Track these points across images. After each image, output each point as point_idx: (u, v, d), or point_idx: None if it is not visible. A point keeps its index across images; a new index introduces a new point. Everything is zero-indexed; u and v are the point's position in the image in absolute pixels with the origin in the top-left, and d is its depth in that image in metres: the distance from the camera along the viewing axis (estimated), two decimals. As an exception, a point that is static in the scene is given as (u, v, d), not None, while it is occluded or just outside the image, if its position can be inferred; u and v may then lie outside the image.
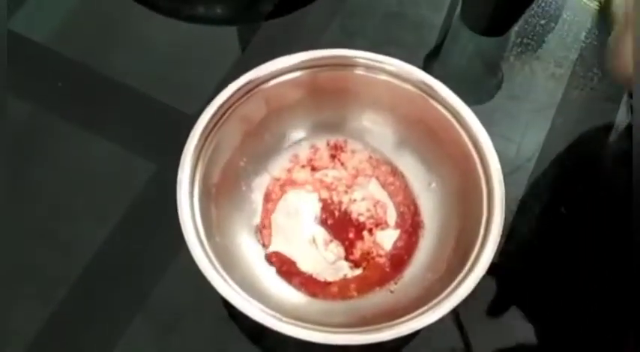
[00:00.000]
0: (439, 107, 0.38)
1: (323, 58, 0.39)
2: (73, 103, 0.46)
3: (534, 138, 0.45)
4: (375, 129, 0.42)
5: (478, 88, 0.47)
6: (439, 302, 0.32)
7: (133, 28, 0.50)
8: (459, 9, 0.49)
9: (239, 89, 0.37)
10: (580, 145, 0.46)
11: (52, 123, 0.45)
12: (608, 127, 0.46)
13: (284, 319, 0.32)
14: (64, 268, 0.40)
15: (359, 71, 0.39)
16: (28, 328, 0.38)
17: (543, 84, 0.47)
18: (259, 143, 0.41)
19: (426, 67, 0.47)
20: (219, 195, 0.37)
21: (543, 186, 0.43)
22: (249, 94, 0.38)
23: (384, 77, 0.39)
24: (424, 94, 0.39)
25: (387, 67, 0.39)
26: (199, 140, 0.36)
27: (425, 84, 0.38)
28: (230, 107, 0.37)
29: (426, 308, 0.32)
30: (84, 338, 0.38)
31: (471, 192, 0.37)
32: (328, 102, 0.41)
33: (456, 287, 0.33)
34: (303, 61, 0.39)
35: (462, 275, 0.33)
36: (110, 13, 0.50)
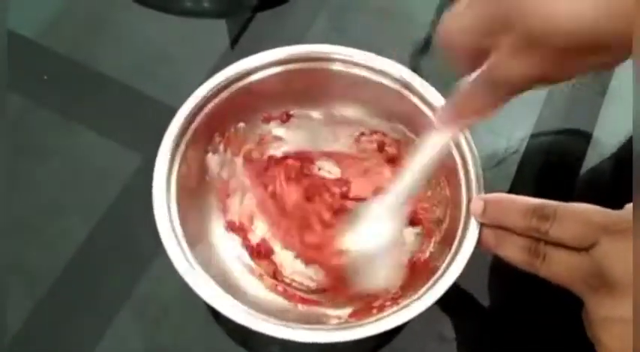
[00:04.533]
0: (417, 101, 0.38)
1: (300, 53, 0.38)
2: (60, 97, 0.46)
3: (521, 131, 0.45)
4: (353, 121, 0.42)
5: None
6: (420, 296, 0.32)
7: (120, 22, 0.49)
8: (448, 4, 0.49)
9: (216, 86, 0.37)
10: (566, 138, 0.46)
11: (39, 116, 0.45)
12: (594, 120, 0.46)
13: (270, 320, 0.32)
14: (49, 261, 0.40)
15: (336, 66, 0.39)
16: (13, 322, 0.38)
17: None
18: (237, 136, 0.40)
19: (415, 63, 0.47)
20: (196, 188, 0.37)
21: (530, 179, 0.44)
22: (226, 90, 0.38)
23: (361, 72, 0.39)
24: (402, 89, 0.38)
25: (364, 63, 0.39)
26: (176, 135, 0.36)
27: (402, 78, 0.38)
28: (205, 104, 0.37)
29: (408, 301, 0.32)
30: (69, 332, 0.38)
31: (450, 180, 0.37)
32: (306, 96, 0.41)
33: (441, 276, 0.32)
34: (279, 58, 0.38)
35: (444, 264, 0.33)
36: (98, 6, 0.50)
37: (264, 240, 0.40)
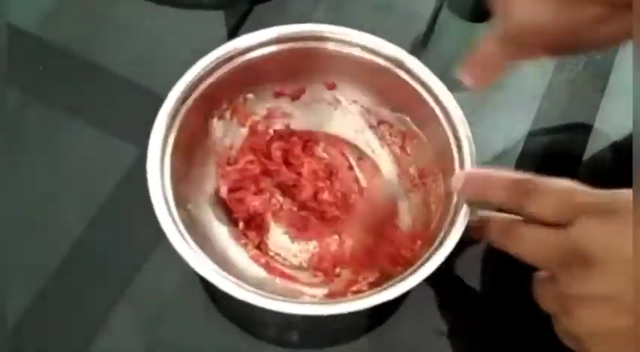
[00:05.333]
0: (410, 80, 0.38)
1: (293, 32, 0.39)
2: (57, 89, 0.46)
3: (520, 126, 0.45)
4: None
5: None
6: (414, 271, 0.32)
7: (118, 14, 0.49)
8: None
9: (210, 63, 0.37)
10: (565, 132, 0.46)
11: (36, 109, 0.45)
12: (594, 115, 0.46)
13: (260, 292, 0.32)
14: (46, 255, 0.39)
15: (329, 46, 0.39)
16: (11, 316, 0.37)
17: (530, 72, 0.47)
18: (245, 106, 0.41)
19: (414, 56, 0.47)
20: (193, 151, 0.38)
21: (529, 171, 0.43)
22: (222, 67, 0.38)
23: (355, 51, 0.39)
24: (395, 68, 0.38)
25: (358, 41, 0.39)
26: (177, 99, 0.36)
27: (396, 58, 0.38)
28: (201, 81, 0.37)
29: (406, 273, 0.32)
30: (68, 326, 0.38)
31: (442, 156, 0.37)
32: (299, 75, 0.41)
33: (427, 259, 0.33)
34: (272, 37, 0.38)
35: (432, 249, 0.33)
36: (95, -2, 0.50)
37: (256, 212, 0.40)
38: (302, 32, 0.39)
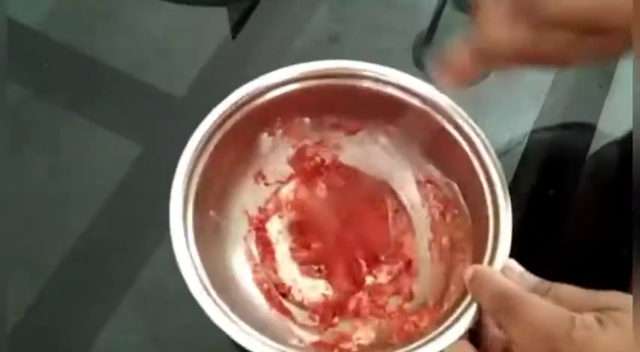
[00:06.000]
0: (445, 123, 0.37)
1: (310, 71, 0.38)
2: (60, 86, 0.45)
3: (525, 122, 0.45)
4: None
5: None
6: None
7: (120, 10, 0.49)
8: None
9: (236, 102, 0.37)
10: (569, 130, 0.46)
11: (39, 106, 0.45)
12: (598, 112, 0.46)
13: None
14: (51, 252, 0.40)
15: (363, 83, 0.38)
16: (15, 312, 0.38)
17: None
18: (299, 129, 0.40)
19: (418, 53, 0.47)
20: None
21: (532, 169, 0.43)
22: (287, 86, 0.37)
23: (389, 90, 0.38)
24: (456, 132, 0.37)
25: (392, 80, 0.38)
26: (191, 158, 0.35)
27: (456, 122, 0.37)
28: (227, 118, 0.37)
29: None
30: (71, 323, 0.38)
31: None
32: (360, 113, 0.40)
33: None
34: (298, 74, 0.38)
35: None
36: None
37: (276, 238, 0.40)
38: (371, 74, 0.38)
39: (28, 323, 0.37)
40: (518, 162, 0.43)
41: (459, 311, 0.31)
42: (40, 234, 0.40)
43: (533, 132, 0.45)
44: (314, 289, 0.39)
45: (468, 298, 0.32)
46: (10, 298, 0.37)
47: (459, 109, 0.37)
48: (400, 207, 0.41)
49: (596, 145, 0.44)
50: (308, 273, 0.39)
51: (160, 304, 0.39)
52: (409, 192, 0.41)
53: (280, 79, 0.37)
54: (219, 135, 0.36)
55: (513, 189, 0.42)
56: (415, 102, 0.37)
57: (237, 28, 0.48)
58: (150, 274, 0.39)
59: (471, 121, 0.36)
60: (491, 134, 0.41)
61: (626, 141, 0.45)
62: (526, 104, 0.46)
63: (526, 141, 0.44)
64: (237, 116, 0.36)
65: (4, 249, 0.39)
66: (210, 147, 0.35)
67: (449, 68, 0.32)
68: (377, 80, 0.38)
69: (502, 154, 0.43)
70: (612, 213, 0.41)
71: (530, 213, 0.42)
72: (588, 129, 0.45)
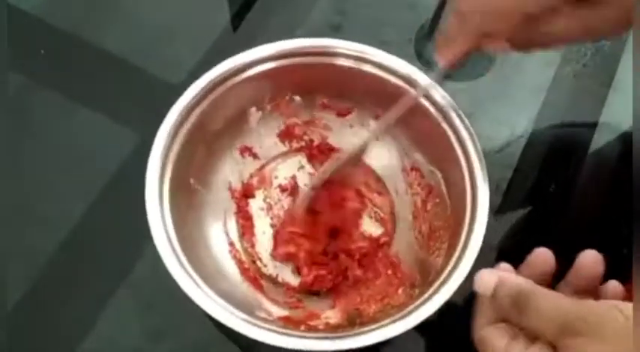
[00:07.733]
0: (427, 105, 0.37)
1: (302, 47, 0.38)
2: (58, 73, 0.45)
3: (525, 118, 0.45)
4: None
5: (470, 69, 0.47)
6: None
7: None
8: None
9: (217, 77, 0.37)
10: (570, 126, 0.46)
11: (38, 93, 0.44)
12: (599, 107, 0.46)
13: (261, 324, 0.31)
14: (46, 241, 0.39)
15: (342, 62, 0.38)
16: (10, 302, 0.37)
17: (535, 65, 0.47)
18: (288, 106, 0.41)
19: (420, 45, 0.47)
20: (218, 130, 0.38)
21: (533, 165, 0.43)
22: (235, 77, 0.37)
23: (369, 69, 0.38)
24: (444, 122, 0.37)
25: (372, 58, 0.38)
26: (175, 121, 0.35)
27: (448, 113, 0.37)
28: (206, 94, 0.37)
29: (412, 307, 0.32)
30: (65, 312, 0.38)
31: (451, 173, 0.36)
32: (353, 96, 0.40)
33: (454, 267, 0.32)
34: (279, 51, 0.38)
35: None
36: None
37: (257, 213, 0.40)
38: (372, 58, 0.38)
39: (24, 311, 0.37)
40: (519, 157, 0.43)
41: (426, 296, 0.32)
42: (37, 222, 0.40)
43: (535, 127, 0.45)
44: (289, 267, 0.39)
45: (436, 286, 0.32)
46: (5, 286, 0.37)
47: (451, 101, 0.37)
48: (384, 191, 0.41)
49: (597, 141, 0.44)
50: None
51: (155, 293, 0.38)
52: (395, 178, 0.41)
53: (269, 53, 0.37)
54: (205, 103, 0.36)
55: (513, 185, 0.42)
56: (410, 89, 0.38)
57: (237, 19, 0.48)
58: (145, 264, 0.39)
59: (460, 112, 0.36)
60: (491, 129, 0.41)
61: (627, 137, 0.44)
62: (526, 100, 0.46)
63: (527, 136, 0.44)
64: (229, 83, 0.37)
65: (0, 237, 0.39)
66: (198, 112, 0.36)
67: (443, 44, 0.32)
68: (380, 65, 0.38)
69: (502, 149, 0.44)
70: (612, 210, 0.41)
71: (530, 208, 0.42)
72: (589, 125, 0.45)
